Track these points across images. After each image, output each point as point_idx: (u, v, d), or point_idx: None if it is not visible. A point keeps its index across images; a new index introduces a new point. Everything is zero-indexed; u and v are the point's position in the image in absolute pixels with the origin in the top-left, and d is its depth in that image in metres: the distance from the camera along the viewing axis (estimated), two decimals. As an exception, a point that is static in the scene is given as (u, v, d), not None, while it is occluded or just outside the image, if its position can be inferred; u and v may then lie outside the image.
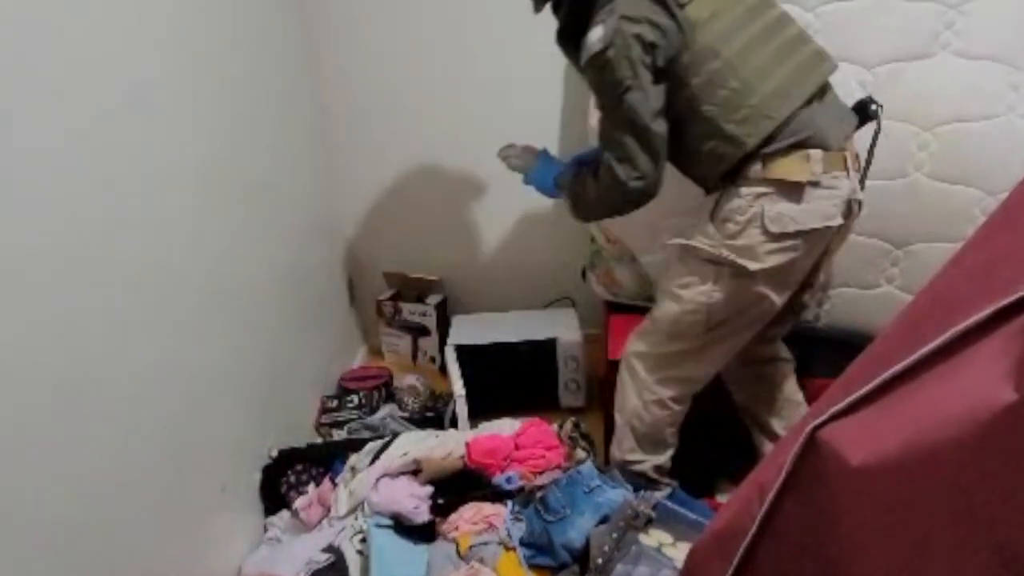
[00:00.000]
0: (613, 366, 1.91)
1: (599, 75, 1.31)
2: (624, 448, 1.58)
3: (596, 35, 1.28)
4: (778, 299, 1.40)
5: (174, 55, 1.45)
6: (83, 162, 1.17)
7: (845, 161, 1.34)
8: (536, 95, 2.23)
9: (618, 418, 1.59)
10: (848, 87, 1.64)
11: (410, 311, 2.44)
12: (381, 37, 2.21)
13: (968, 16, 1.54)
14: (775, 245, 1.32)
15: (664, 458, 1.59)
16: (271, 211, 1.90)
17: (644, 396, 1.52)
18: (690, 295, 1.40)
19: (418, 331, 2.46)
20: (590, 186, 1.42)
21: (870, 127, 1.40)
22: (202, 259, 1.52)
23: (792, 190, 1.30)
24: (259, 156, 1.83)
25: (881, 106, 1.39)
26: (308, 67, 2.18)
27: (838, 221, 1.35)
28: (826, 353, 1.77)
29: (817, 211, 1.32)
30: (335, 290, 2.41)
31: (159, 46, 1.40)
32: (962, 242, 1.67)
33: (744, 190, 1.32)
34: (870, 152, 1.41)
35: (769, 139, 1.28)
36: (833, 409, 0.57)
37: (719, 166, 1.33)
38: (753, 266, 1.33)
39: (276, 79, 1.97)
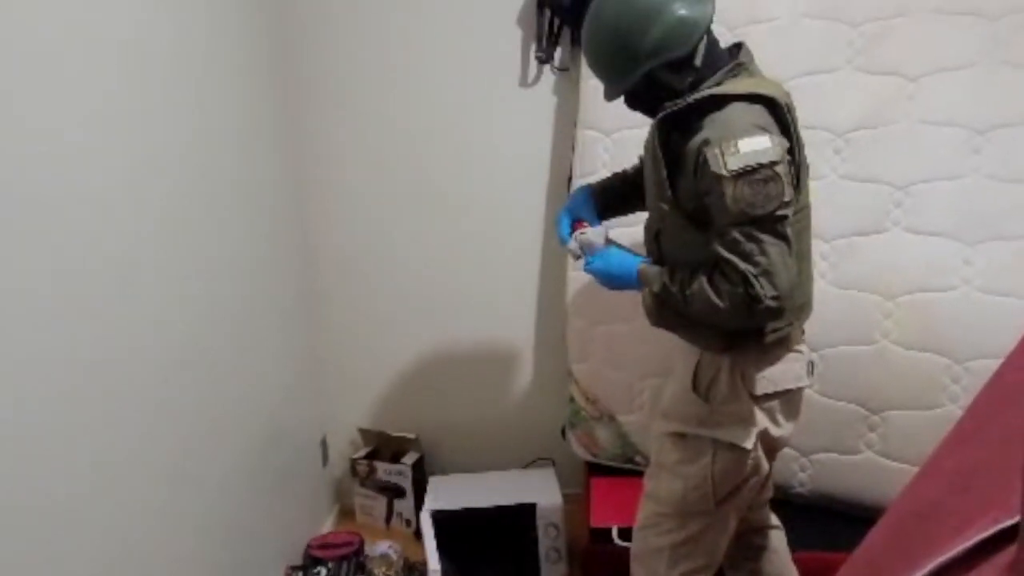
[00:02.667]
0: (596, 535, 1.85)
1: (756, 187, 1.17)
2: None
3: (761, 144, 1.18)
4: (768, 463, 1.39)
5: (161, 210, 1.49)
6: (62, 331, 1.17)
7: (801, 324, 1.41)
8: (525, 248, 2.29)
9: None
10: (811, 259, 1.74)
11: (385, 471, 2.36)
12: (369, 193, 2.30)
13: (914, 197, 1.67)
14: (761, 407, 1.33)
15: None
16: (249, 372, 1.88)
17: None
18: (693, 471, 1.36)
19: (393, 492, 2.37)
20: (700, 295, 1.25)
21: None
22: (170, 423, 1.48)
23: (770, 353, 1.34)
24: (241, 315, 1.84)
25: None
26: (297, 225, 2.24)
27: (807, 381, 1.40)
28: (811, 522, 1.73)
29: (790, 372, 1.36)
30: (309, 449, 2.33)
31: (145, 206, 1.44)
32: (936, 409, 1.69)
33: (727, 357, 1.33)
34: None
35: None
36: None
37: (731, 336, 1.32)
38: (748, 442, 1.32)
39: (264, 236, 2.01)
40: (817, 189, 1.72)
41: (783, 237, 1.21)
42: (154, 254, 1.45)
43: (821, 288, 1.72)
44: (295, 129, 2.20)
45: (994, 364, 1.63)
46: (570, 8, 1.96)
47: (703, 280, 1.25)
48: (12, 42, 1.08)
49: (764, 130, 1.20)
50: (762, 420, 1.33)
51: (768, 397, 1.33)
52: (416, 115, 2.23)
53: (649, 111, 1.34)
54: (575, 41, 2.07)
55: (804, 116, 1.74)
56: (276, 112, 2.10)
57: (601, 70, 1.34)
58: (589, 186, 1.59)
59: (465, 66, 2.19)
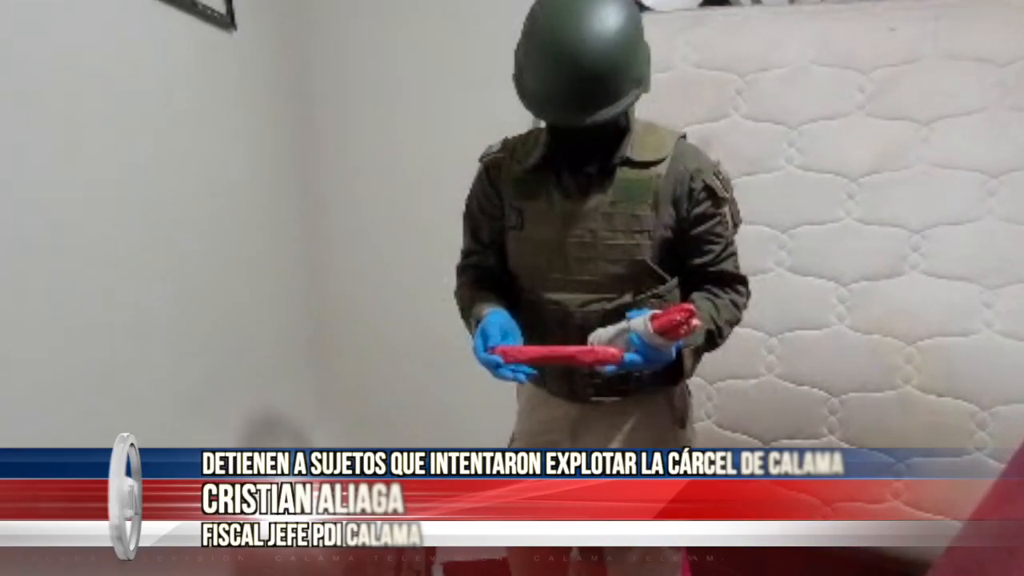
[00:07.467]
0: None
1: (735, 205, 1.27)
2: None
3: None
4: None
5: (169, 255, 1.49)
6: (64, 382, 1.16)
7: None
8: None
9: None
10: (829, 302, 1.72)
11: (396, 520, 2.31)
12: (383, 242, 2.30)
13: (931, 240, 1.65)
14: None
15: None
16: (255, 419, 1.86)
17: None
18: None
19: (403, 542, 2.31)
20: (730, 319, 1.26)
21: None
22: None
23: None
24: (249, 362, 1.83)
25: None
26: (305, 271, 2.25)
27: None
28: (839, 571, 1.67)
29: None
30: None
31: (157, 273, 1.45)
32: (964, 456, 1.64)
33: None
34: None
35: None
36: None
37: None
38: None
39: (273, 283, 2.02)
40: (832, 232, 1.74)
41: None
42: (162, 299, 1.45)
43: (840, 332, 1.70)
44: (307, 177, 2.22)
45: (1021, 410, 1.59)
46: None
47: (726, 302, 1.25)
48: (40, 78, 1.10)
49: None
50: None
51: None
52: (430, 165, 2.25)
53: (601, 151, 1.18)
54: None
55: (817, 161, 1.77)
56: (290, 158, 2.13)
57: (601, 85, 1.08)
58: (503, 310, 1.29)
59: (482, 116, 2.20)
